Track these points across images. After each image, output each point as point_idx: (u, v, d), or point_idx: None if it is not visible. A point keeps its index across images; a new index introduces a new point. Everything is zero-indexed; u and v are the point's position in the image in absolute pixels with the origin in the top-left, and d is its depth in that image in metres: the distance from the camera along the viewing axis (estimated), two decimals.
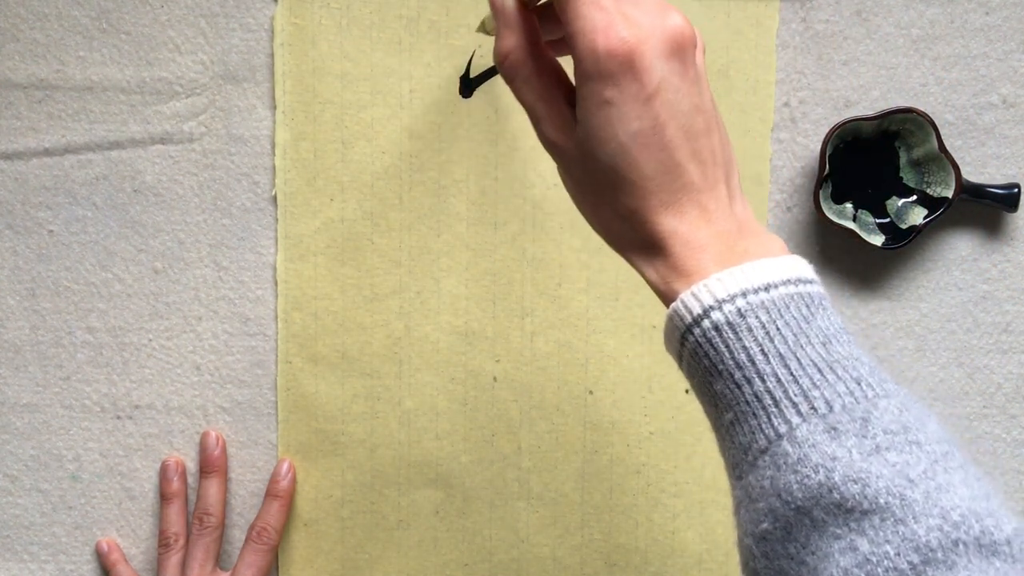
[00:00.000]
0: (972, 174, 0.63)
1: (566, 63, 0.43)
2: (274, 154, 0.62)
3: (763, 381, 0.37)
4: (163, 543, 0.63)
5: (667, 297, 0.41)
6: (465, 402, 0.64)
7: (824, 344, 0.38)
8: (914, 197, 0.63)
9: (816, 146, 0.63)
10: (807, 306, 0.39)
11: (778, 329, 0.38)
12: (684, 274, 0.40)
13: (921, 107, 0.62)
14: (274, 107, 0.61)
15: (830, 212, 0.62)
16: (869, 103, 0.63)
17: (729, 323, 0.38)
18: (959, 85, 0.63)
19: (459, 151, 0.62)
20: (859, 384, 0.37)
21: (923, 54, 0.62)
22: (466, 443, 0.64)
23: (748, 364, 0.38)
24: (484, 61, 0.61)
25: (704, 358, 0.39)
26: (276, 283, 0.63)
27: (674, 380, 0.64)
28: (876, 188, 0.63)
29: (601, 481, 0.64)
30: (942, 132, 0.62)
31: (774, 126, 0.63)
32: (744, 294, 0.38)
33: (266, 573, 0.62)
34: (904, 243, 0.62)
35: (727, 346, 0.38)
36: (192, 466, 0.64)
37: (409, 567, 0.65)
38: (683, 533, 0.65)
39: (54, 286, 0.63)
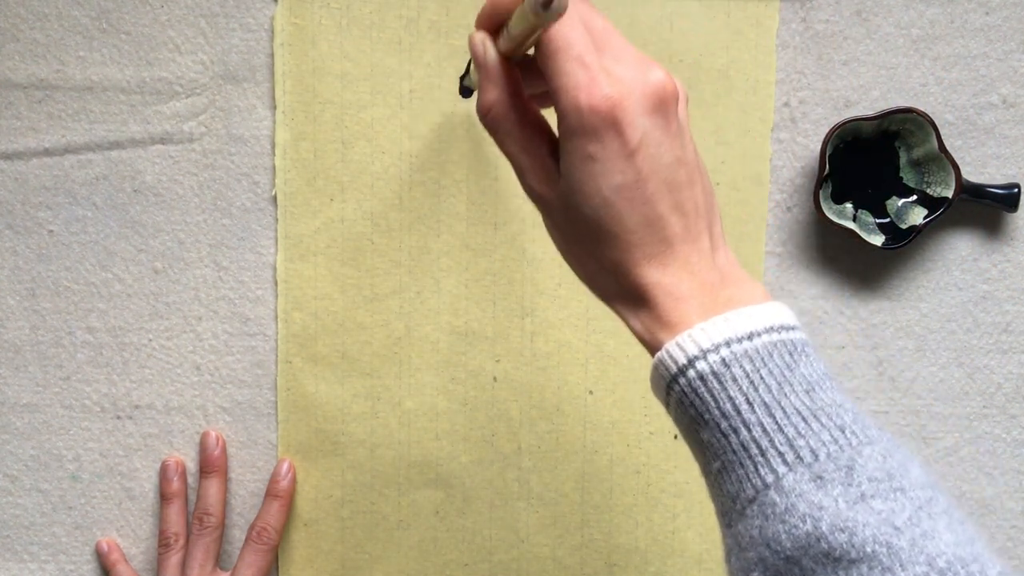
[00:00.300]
0: (972, 174, 0.63)
1: (549, 114, 0.43)
2: (274, 154, 0.62)
3: (749, 431, 0.38)
4: (163, 543, 0.63)
5: (652, 347, 0.41)
6: (465, 402, 0.64)
7: (808, 392, 0.38)
8: (914, 197, 0.63)
9: (816, 146, 0.63)
10: (790, 353, 0.39)
11: (762, 378, 0.38)
12: (668, 325, 0.40)
13: (921, 107, 0.62)
14: (274, 107, 0.61)
15: (830, 212, 0.62)
16: (869, 103, 0.63)
17: (714, 373, 0.39)
18: (959, 85, 0.63)
19: (459, 151, 0.62)
20: (843, 432, 0.37)
21: (923, 54, 0.62)
22: (466, 443, 0.64)
23: (734, 414, 0.38)
24: None
25: (690, 407, 0.39)
26: (276, 283, 0.63)
27: None
28: (876, 188, 0.63)
29: (601, 481, 0.64)
30: (942, 132, 0.62)
31: (774, 126, 0.63)
32: (728, 343, 0.39)
33: (266, 573, 0.62)
34: (904, 243, 0.62)
35: (712, 396, 0.39)
36: (192, 466, 0.64)
37: (409, 567, 0.65)
38: (683, 533, 0.65)
39: (54, 286, 0.63)
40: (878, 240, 0.62)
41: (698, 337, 0.39)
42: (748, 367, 0.38)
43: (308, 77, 0.61)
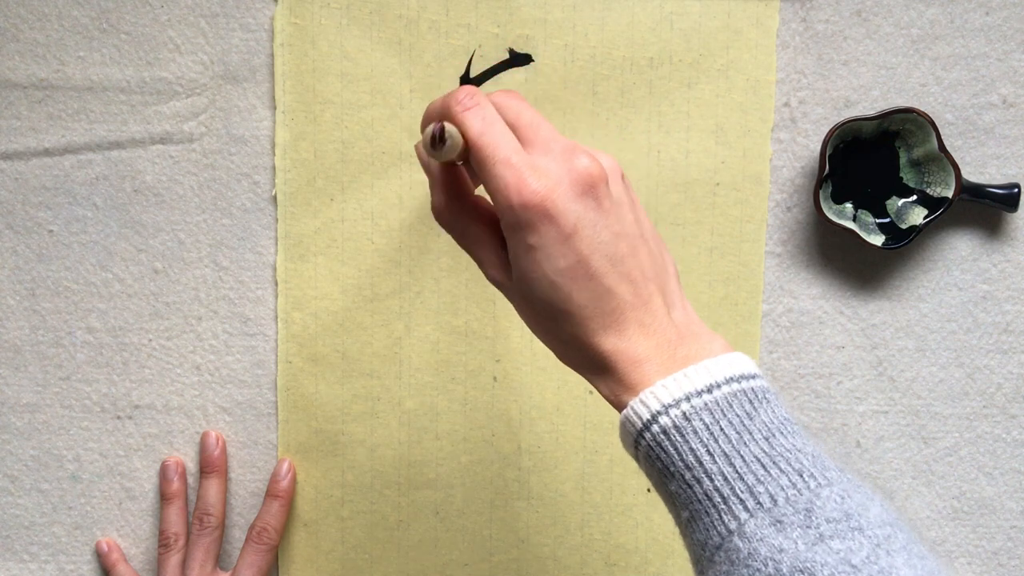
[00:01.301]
0: (972, 174, 0.63)
1: None
2: (274, 154, 0.62)
3: (711, 480, 0.39)
4: (163, 543, 0.63)
5: (619, 407, 0.43)
6: (465, 402, 0.64)
7: (767, 439, 0.40)
8: (914, 197, 0.63)
9: (816, 146, 0.63)
10: (750, 402, 0.41)
11: (721, 429, 0.40)
12: (630, 387, 0.42)
13: (921, 107, 0.62)
14: (274, 107, 0.61)
15: (830, 212, 0.62)
16: (869, 103, 0.63)
17: (676, 426, 0.40)
18: (959, 85, 0.63)
19: None
20: (801, 476, 0.39)
21: (923, 54, 0.62)
22: (466, 443, 0.64)
23: (696, 464, 0.40)
24: (484, 61, 0.61)
25: (657, 460, 0.41)
26: (276, 283, 0.63)
27: None
28: (876, 188, 0.63)
29: (601, 481, 0.64)
30: (942, 132, 0.62)
31: (774, 126, 0.63)
32: (688, 398, 0.41)
33: (266, 573, 0.62)
34: (904, 243, 0.62)
35: (675, 448, 0.40)
36: (192, 466, 0.64)
37: (409, 567, 0.65)
38: None
39: (54, 286, 0.63)
40: (878, 240, 0.62)
41: (659, 393, 0.41)
42: (708, 419, 0.40)
43: (308, 77, 0.61)
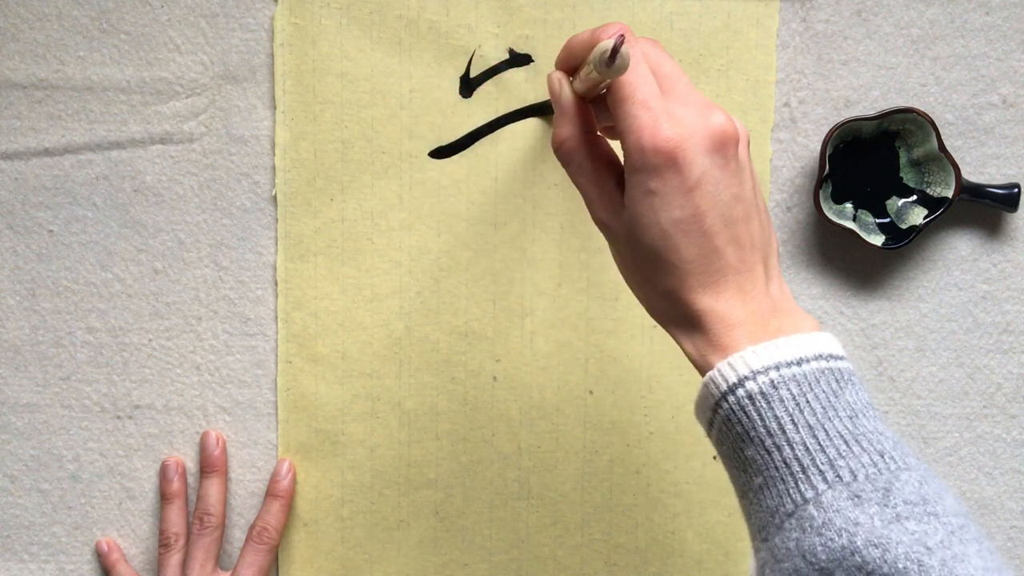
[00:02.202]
0: (972, 174, 0.63)
1: (619, 147, 0.45)
2: (274, 154, 0.62)
3: (792, 449, 0.40)
4: (163, 543, 0.63)
5: (703, 369, 0.43)
6: (465, 402, 0.64)
7: (851, 418, 0.40)
8: (914, 197, 0.63)
9: (816, 146, 0.63)
10: (836, 381, 0.41)
11: (808, 401, 0.40)
12: (719, 348, 0.43)
13: (921, 107, 0.62)
14: (274, 107, 0.61)
15: (830, 212, 0.62)
16: (869, 103, 0.63)
17: (762, 392, 0.41)
18: (959, 85, 0.63)
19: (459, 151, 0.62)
20: (882, 456, 0.39)
21: (923, 54, 0.62)
22: (466, 443, 0.64)
23: (779, 432, 0.40)
24: (484, 61, 0.61)
25: (737, 424, 0.41)
26: (276, 283, 0.63)
27: (674, 380, 0.64)
28: (876, 188, 0.63)
29: (601, 481, 0.64)
30: (942, 132, 0.62)
31: (774, 126, 0.63)
32: (777, 367, 0.41)
33: (266, 573, 0.62)
34: (904, 243, 0.62)
35: (759, 414, 0.41)
36: (192, 466, 0.64)
37: (409, 567, 0.65)
38: (683, 533, 0.65)
39: (54, 286, 0.63)
40: (878, 240, 0.62)
41: (749, 359, 0.41)
42: (795, 390, 0.41)
43: (308, 77, 0.61)
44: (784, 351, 0.41)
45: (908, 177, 0.63)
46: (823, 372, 0.41)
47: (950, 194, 0.61)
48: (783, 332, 0.42)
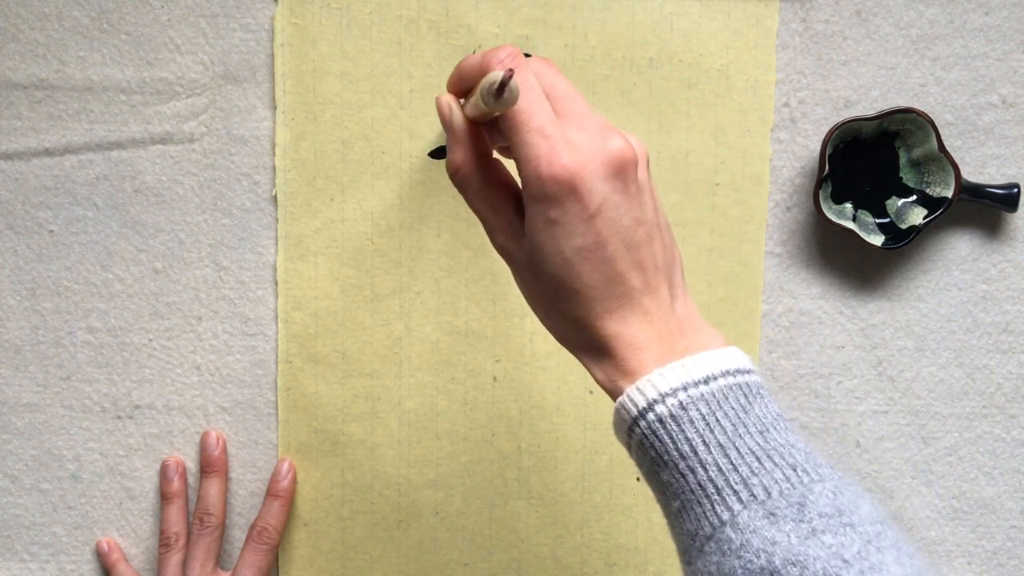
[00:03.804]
0: (972, 174, 0.63)
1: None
2: (274, 154, 0.62)
3: (705, 470, 0.40)
4: (163, 543, 0.63)
5: (613, 394, 0.43)
6: (465, 402, 0.64)
7: (761, 432, 0.40)
8: (914, 197, 0.63)
9: (816, 146, 0.63)
10: (745, 396, 0.41)
11: (717, 420, 0.40)
12: (628, 372, 0.42)
13: (921, 107, 0.62)
14: (274, 107, 0.61)
15: (830, 212, 0.62)
16: (869, 103, 0.63)
17: (672, 415, 0.40)
18: (959, 85, 0.63)
19: None
20: (795, 470, 0.39)
21: (923, 54, 0.62)
22: (466, 443, 0.64)
23: (691, 454, 0.40)
24: None
25: (650, 449, 0.41)
26: (276, 283, 0.63)
27: None
28: (876, 188, 0.63)
29: (601, 481, 0.64)
30: (942, 132, 0.62)
31: (774, 126, 0.63)
32: (685, 387, 0.41)
33: (266, 573, 0.62)
34: (904, 243, 0.62)
35: (671, 437, 0.40)
36: (192, 466, 0.64)
37: (409, 567, 0.65)
38: None
39: (54, 286, 0.63)
40: (878, 240, 0.62)
41: (656, 382, 0.41)
42: (704, 410, 0.40)
43: (308, 77, 0.61)
44: (691, 371, 0.41)
45: (908, 177, 0.63)
46: (731, 388, 0.41)
47: (950, 194, 0.61)
48: (690, 350, 0.42)
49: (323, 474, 0.64)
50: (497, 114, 0.43)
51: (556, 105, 0.43)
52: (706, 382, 0.41)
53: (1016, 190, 0.62)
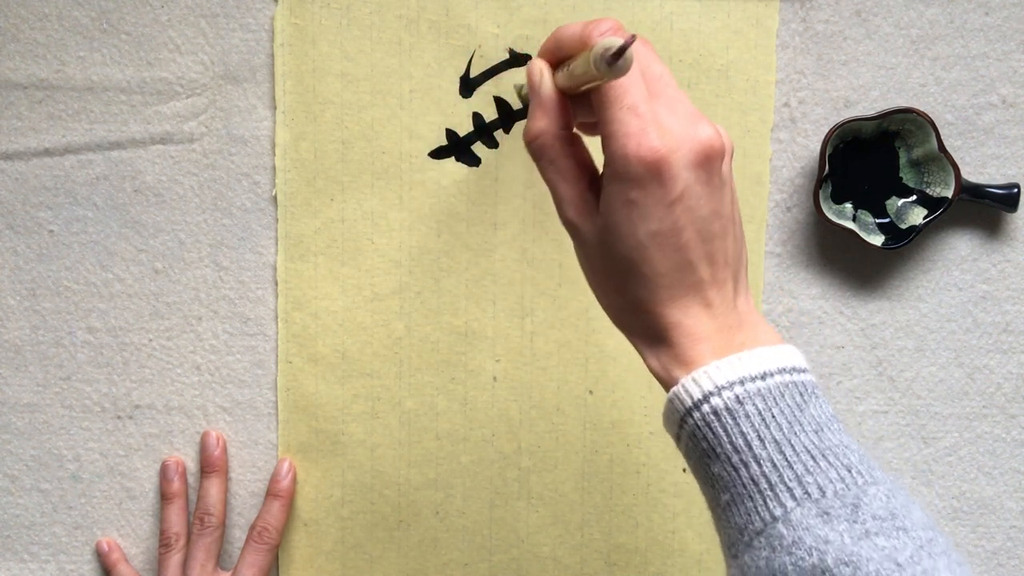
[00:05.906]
0: (972, 174, 0.63)
1: (593, 143, 0.44)
2: (274, 154, 0.62)
3: (759, 465, 0.39)
4: (164, 543, 0.63)
5: (667, 383, 0.43)
6: (465, 402, 0.64)
7: (817, 432, 0.40)
8: (914, 197, 0.63)
9: (816, 146, 0.63)
10: (801, 394, 0.41)
11: (773, 416, 0.40)
12: (684, 362, 0.42)
13: (921, 107, 0.62)
14: (274, 107, 0.61)
15: (830, 212, 0.62)
16: (869, 103, 0.63)
17: (727, 408, 0.40)
18: (959, 85, 0.63)
19: None
20: (850, 471, 0.39)
21: (923, 54, 0.62)
22: (466, 443, 0.64)
23: (745, 448, 0.40)
24: (484, 61, 0.61)
25: (703, 440, 0.41)
26: (276, 283, 0.63)
27: None
28: (876, 188, 0.63)
29: (601, 481, 0.64)
30: (942, 132, 0.62)
31: (774, 126, 0.63)
32: (742, 382, 0.40)
33: (267, 573, 0.62)
34: (904, 243, 0.62)
35: (725, 431, 0.40)
36: (192, 466, 0.64)
37: (409, 567, 0.65)
38: (683, 533, 0.65)
39: (54, 286, 0.63)
40: (878, 240, 0.62)
41: (713, 374, 0.41)
42: (760, 405, 0.40)
43: (308, 77, 0.61)
44: (748, 365, 0.41)
45: (908, 177, 0.63)
46: (787, 386, 0.41)
47: (950, 194, 0.61)
48: (748, 346, 0.42)
49: (323, 474, 0.64)
50: (593, 85, 0.42)
51: (650, 84, 0.42)
52: (763, 378, 0.41)
53: (1016, 190, 0.62)
